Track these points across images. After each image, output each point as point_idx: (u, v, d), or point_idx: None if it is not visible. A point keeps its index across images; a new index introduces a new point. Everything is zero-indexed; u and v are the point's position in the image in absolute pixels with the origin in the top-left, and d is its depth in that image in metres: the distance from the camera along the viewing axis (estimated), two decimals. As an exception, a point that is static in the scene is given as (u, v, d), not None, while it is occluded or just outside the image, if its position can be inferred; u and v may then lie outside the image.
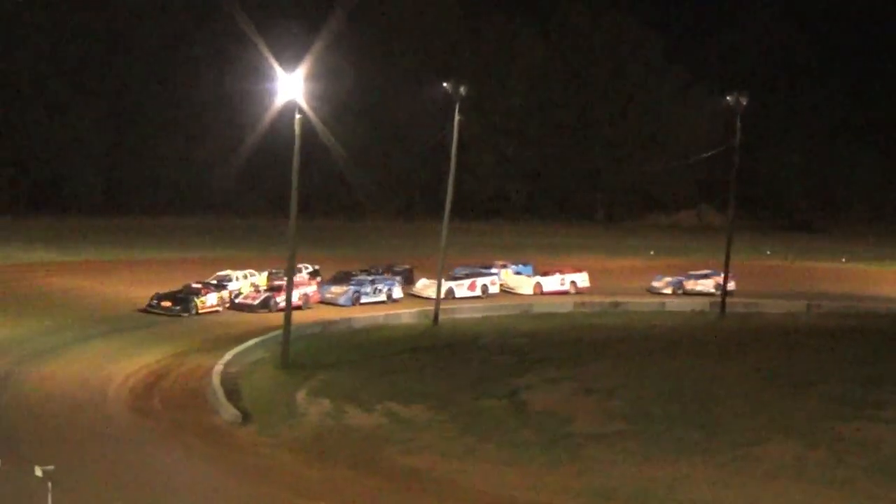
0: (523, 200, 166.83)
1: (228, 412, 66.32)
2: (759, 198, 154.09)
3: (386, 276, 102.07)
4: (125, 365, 75.54)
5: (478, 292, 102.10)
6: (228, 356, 76.93)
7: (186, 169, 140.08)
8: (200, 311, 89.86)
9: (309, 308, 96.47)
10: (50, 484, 31.74)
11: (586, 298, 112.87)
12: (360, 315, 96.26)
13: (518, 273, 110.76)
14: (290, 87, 79.25)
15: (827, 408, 71.73)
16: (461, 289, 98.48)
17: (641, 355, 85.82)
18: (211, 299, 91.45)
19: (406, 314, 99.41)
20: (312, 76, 79.96)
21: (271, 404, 69.92)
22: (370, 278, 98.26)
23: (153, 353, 79.54)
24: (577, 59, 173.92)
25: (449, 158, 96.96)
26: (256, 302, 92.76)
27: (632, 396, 73.14)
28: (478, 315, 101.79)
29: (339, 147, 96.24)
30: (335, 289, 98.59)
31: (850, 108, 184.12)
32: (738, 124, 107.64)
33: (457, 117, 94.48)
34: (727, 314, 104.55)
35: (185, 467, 56.72)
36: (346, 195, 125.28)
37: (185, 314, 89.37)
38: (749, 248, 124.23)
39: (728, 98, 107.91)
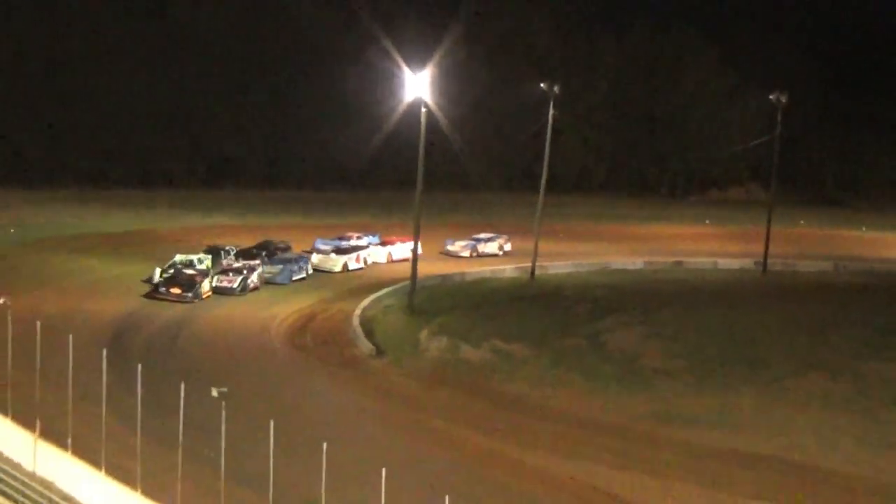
0: (602, 178, 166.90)
1: (365, 346, 67.97)
2: (798, 177, 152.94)
3: (278, 253, 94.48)
4: (282, 308, 77.20)
5: (361, 264, 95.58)
6: (365, 302, 78.36)
7: (331, 150, 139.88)
8: (203, 297, 78.04)
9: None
10: (223, 402, 32.40)
11: (655, 258, 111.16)
12: (469, 270, 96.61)
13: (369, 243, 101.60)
14: (417, 86, 79.54)
15: (851, 349, 72.16)
16: (352, 262, 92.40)
17: (699, 305, 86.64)
18: (206, 285, 79.31)
19: (509, 269, 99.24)
20: (435, 76, 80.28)
21: (399, 341, 71.33)
22: (295, 256, 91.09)
23: (303, 299, 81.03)
24: (647, 62, 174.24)
25: (543, 142, 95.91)
26: (235, 285, 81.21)
27: (690, 339, 73.98)
28: (566, 271, 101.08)
29: (455, 133, 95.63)
30: (269, 268, 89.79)
31: (875, 102, 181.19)
32: (779, 118, 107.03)
33: (551, 111, 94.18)
34: (769, 275, 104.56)
35: (330, 390, 59.51)
36: (460, 172, 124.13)
37: (196, 300, 76.17)
38: (786, 218, 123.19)
39: (771, 97, 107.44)
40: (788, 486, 48.00)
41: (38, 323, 44.94)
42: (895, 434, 55.72)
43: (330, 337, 71.30)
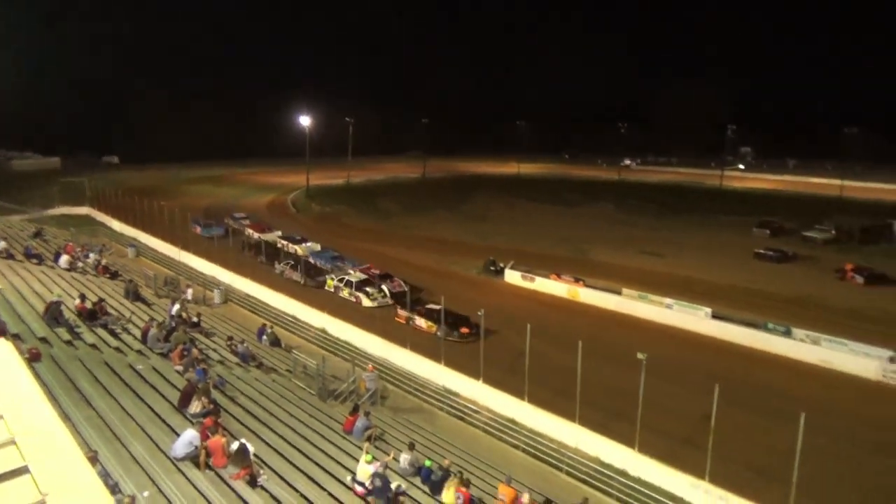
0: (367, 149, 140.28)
1: (293, 209, 68.33)
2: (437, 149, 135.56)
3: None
4: (264, 199, 73.61)
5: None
6: (292, 195, 76.05)
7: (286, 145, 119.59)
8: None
9: None
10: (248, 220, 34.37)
11: (388, 175, 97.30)
12: (325, 181, 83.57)
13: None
14: (306, 122, 77.11)
15: (451, 201, 74.11)
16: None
17: (406, 190, 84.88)
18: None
19: (340, 181, 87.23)
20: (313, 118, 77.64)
21: (304, 206, 70.22)
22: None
23: (270, 195, 76.15)
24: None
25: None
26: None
27: (403, 200, 74.24)
28: (361, 181, 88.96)
29: (312, 136, 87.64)
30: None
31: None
32: (428, 135, 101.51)
33: (351, 130, 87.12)
34: (425, 179, 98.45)
35: (283, 222, 57.22)
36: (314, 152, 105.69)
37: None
38: (437, 159, 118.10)
39: (423, 120, 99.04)
40: (441, 248, 48.99)
41: (185, 211, 47.07)
42: (473, 228, 57.73)
43: (281, 207, 69.38)
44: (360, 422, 18.72)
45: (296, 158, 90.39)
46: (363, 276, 37.25)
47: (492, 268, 41.62)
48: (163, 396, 17.21)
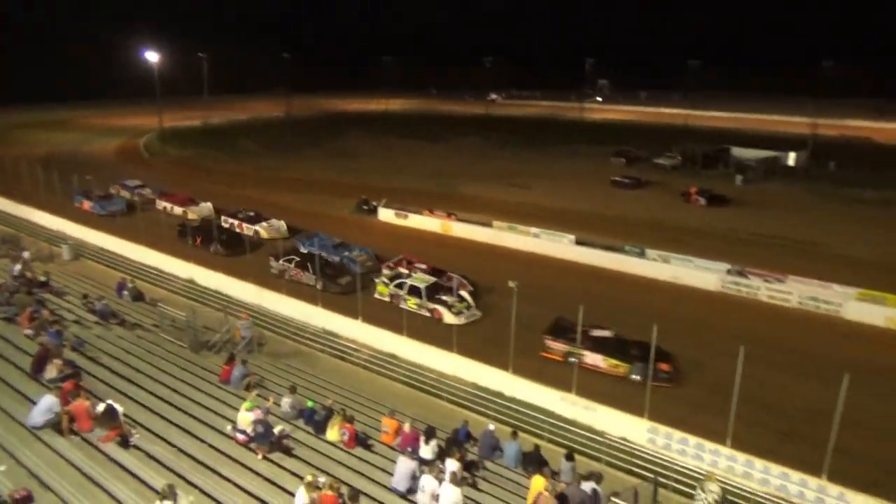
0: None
1: (146, 155, 64.17)
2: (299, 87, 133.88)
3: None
4: (111, 144, 69.14)
5: None
6: (144, 139, 71.49)
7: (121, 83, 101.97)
8: None
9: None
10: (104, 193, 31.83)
11: (253, 115, 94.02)
12: (179, 123, 78.88)
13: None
14: (153, 57, 69.02)
15: (323, 138, 72.24)
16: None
17: (267, 133, 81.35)
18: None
19: (198, 122, 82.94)
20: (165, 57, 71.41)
21: (159, 150, 66.19)
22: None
23: (118, 140, 71.70)
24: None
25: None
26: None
27: (272, 142, 71.32)
28: (220, 122, 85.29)
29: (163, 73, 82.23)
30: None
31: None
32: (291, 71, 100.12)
33: (205, 67, 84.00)
34: (290, 117, 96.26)
35: (137, 171, 53.47)
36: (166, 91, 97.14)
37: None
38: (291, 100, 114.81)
39: (284, 54, 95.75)
40: (310, 188, 47.92)
41: (40, 166, 42.51)
42: (342, 167, 56.03)
43: (132, 153, 64.98)
44: (237, 370, 18.42)
45: (145, 98, 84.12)
46: (430, 279, 26.84)
47: (364, 207, 41.47)
48: (12, 364, 16.14)
